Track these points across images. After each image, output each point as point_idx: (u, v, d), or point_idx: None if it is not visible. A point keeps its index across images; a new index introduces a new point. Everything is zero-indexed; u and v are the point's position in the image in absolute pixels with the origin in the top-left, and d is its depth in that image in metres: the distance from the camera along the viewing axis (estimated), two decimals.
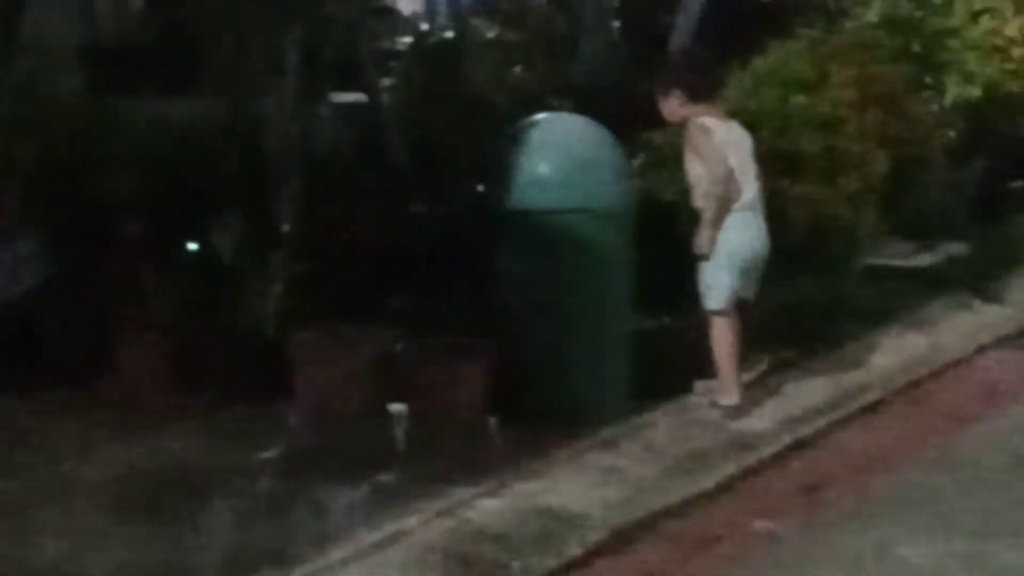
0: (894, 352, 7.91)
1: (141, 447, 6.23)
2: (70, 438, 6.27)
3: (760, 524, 5.82)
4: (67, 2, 8.22)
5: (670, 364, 6.92)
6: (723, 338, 6.63)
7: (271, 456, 6.20)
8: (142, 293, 6.83)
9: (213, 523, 5.76)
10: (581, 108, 7.10)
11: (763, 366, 7.39)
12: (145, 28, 8.54)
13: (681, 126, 7.17)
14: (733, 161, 6.54)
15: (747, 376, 7.26)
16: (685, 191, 7.35)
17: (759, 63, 8.19)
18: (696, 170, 6.61)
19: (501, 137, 6.79)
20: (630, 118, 7.28)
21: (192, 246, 6.83)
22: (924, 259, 9.36)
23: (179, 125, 7.28)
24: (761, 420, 6.84)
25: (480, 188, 6.92)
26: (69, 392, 6.63)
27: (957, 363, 7.95)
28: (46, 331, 6.80)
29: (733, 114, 7.66)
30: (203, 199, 6.78)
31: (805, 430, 6.78)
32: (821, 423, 6.91)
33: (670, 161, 7.36)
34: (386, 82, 8.22)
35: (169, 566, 5.21)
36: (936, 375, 7.76)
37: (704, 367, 7.08)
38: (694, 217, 7.35)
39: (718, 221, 6.51)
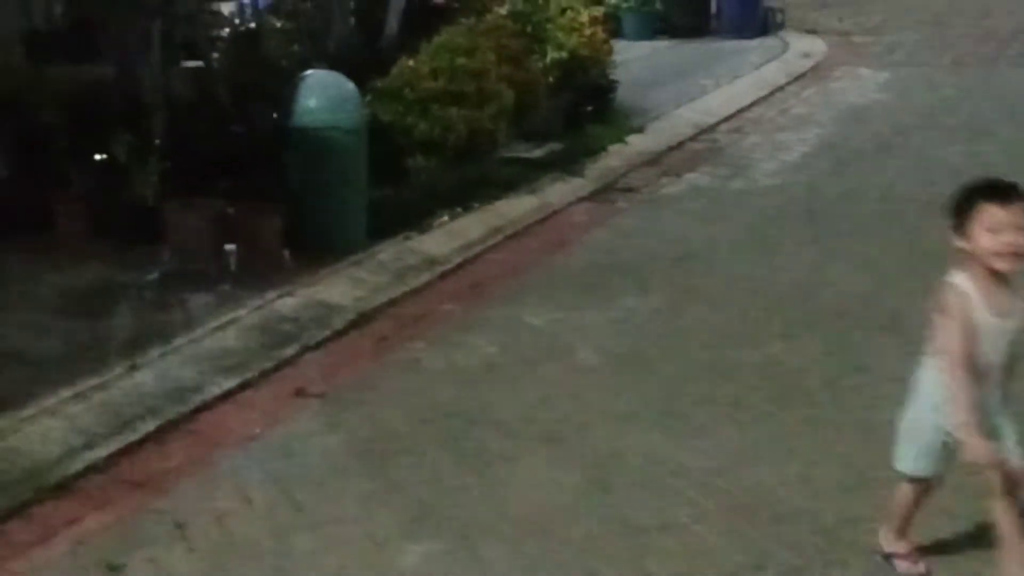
0: (521, 206, 8.25)
1: (69, 273, 6.38)
2: (23, 268, 6.37)
3: (447, 306, 6.32)
4: (11, 3, 8.01)
5: (390, 218, 7.22)
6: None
7: (153, 277, 6.35)
8: (69, 181, 6.98)
9: (118, 315, 5.82)
10: (332, 67, 7.12)
11: (444, 217, 7.63)
12: (64, 19, 8.23)
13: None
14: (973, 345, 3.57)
15: (438, 222, 7.29)
16: (397, 113, 7.62)
17: (437, 39, 8.37)
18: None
19: (286, 85, 6.99)
20: (361, 73, 7.40)
21: (101, 155, 6.84)
22: (536, 152, 9.22)
23: (87, 82, 7.29)
24: (442, 248, 7.16)
25: (275, 115, 7.10)
26: (23, 239, 6.64)
27: (557, 212, 8.33)
28: (6, 204, 6.75)
29: (424, 69, 7.88)
30: (105, 127, 6.82)
31: (469, 253, 7.21)
32: (479, 248, 7.32)
33: (385, 97, 7.84)
34: (215, 55, 8.01)
35: (85, 346, 5.39)
36: (545, 219, 8.16)
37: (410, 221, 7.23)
38: (405, 132, 7.53)
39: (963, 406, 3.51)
